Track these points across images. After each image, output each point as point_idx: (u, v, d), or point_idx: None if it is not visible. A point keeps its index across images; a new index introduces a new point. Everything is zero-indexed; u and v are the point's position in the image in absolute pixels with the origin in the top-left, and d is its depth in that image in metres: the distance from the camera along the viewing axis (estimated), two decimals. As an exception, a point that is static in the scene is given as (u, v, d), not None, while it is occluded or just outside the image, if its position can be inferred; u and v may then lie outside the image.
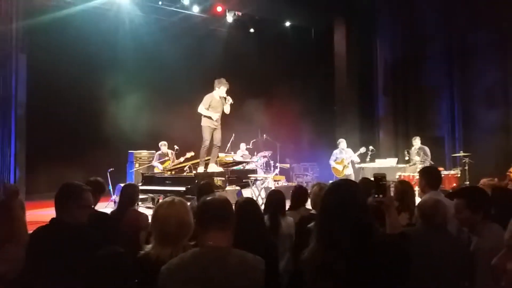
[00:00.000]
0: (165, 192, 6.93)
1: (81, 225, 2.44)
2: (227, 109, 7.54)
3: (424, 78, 12.71)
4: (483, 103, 11.00)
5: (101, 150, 9.93)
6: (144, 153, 10.01)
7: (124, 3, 10.67)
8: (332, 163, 10.04)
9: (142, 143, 10.47)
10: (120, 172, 9.51)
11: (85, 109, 10.40)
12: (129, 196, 4.15)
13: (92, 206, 2.86)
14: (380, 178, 2.07)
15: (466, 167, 9.75)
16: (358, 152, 10.06)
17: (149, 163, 9.74)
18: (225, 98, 7.38)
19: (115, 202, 7.42)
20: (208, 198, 2.01)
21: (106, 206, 7.40)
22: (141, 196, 7.79)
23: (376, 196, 2.05)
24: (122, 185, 8.50)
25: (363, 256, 1.67)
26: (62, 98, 10.04)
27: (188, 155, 8.78)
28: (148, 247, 2.21)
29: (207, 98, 7.44)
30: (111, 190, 8.21)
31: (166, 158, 9.29)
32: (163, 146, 9.46)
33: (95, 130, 10.30)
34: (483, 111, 10.93)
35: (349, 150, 10.07)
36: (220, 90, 7.41)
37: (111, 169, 8.61)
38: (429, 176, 3.62)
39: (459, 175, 9.47)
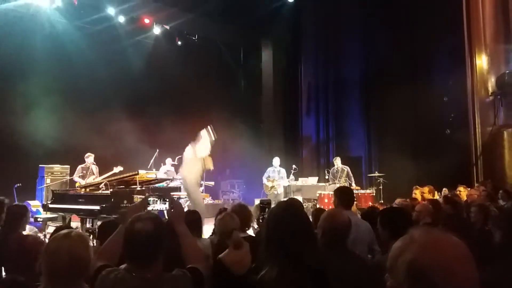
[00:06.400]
0: (77, 211, 6.44)
1: None
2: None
3: (344, 101, 13.47)
4: (395, 126, 11.82)
5: (9, 163, 9.07)
6: (56, 167, 9.27)
7: (44, 6, 10.01)
8: (264, 179, 10.18)
9: (59, 157, 9.68)
10: (29, 188, 8.75)
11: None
12: (14, 218, 3.73)
13: None
14: (265, 204, 2.21)
15: (381, 187, 10.37)
16: (290, 177, 10.26)
17: (62, 178, 9.03)
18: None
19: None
20: (136, 227, 1.83)
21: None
22: (50, 215, 7.24)
23: (261, 221, 2.15)
24: (30, 202, 7.92)
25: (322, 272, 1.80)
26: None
27: (116, 170, 8.17)
28: None
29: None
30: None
31: (83, 172, 8.59)
32: (88, 157, 8.64)
33: (2, 141, 9.39)
34: (396, 134, 11.76)
35: (283, 170, 10.22)
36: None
37: (18, 184, 7.90)
38: (342, 196, 3.73)
39: (374, 194, 10.03)
